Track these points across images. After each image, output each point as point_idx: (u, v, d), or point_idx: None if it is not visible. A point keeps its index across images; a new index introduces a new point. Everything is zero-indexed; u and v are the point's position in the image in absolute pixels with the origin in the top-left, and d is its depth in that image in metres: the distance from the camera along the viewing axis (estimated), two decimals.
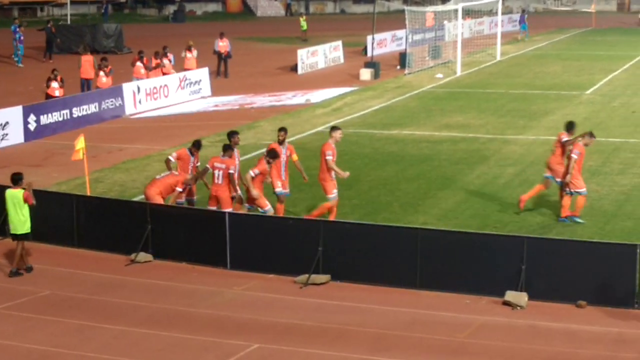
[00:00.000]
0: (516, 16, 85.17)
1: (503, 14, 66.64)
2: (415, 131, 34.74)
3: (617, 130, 34.25)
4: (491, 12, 70.50)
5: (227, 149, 21.99)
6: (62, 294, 18.78)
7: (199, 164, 22.81)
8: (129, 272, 20.14)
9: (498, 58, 59.14)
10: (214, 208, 21.67)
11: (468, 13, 64.89)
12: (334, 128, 22.81)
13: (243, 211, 21.67)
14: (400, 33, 62.30)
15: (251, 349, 15.96)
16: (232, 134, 22.59)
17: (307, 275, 19.17)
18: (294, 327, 17.05)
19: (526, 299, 17.87)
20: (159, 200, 21.74)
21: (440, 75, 50.86)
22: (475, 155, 30.22)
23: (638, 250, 17.67)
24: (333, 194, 22.10)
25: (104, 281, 19.62)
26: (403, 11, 56.70)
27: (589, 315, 17.50)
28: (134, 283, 19.47)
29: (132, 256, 20.67)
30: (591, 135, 22.78)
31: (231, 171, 21.51)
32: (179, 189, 21.93)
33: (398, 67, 54.40)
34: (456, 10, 55.38)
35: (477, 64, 56.60)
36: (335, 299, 18.42)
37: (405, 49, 55.18)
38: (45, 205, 21.33)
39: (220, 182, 21.60)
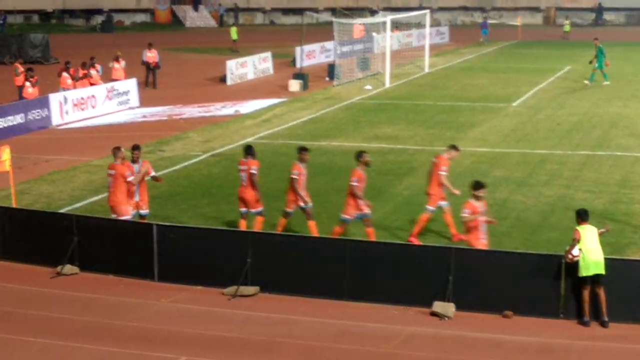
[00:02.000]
0: (444, 29, 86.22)
1: (431, 26, 67.12)
2: (344, 142, 34.84)
3: (542, 142, 34.66)
4: (419, 25, 70.97)
5: (248, 151, 22.19)
6: None
7: (153, 173, 22.55)
8: (54, 284, 19.90)
9: (426, 70, 59.60)
10: (243, 210, 22.11)
11: (396, 25, 65.44)
12: (453, 147, 23.15)
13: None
14: (329, 45, 62.47)
15: None
16: (301, 150, 22.53)
17: (235, 287, 19.11)
18: (222, 339, 16.97)
19: (453, 309, 18.00)
20: (124, 203, 21.63)
21: (369, 87, 51.11)
22: (404, 167, 30.39)
23: (563, 261, 17.91)
24: (433, 207, 22.54)
25: (29, 294, 19.38)
26: (331, 23, 56.88)
27: (515, 326, 17.66)
28: (59, 296, 19.24)
29: (58, 268, 20.43)
30: None
31: (252, 171, 21.81)
32: (130, 178, 21.66)
33: (327, 78, 54.59)
34: (385, 23, 55.68)
35: (406, 75, 56.97)
36: (264, 310, 18.38)
37: (334, 61, 55.35)
38: None
39: (245, 183, 22.03)
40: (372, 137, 35.95)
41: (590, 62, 52.74)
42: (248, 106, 44.04)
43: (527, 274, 18.15)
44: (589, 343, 16.94)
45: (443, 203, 22.57)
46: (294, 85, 50.54)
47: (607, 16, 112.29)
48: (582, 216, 18.03)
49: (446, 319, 17.86)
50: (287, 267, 19.38)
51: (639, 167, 30.34)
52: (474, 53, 72.92)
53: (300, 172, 22.05)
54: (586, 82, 51.77)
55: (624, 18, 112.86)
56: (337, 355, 16.27)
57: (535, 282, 18.07)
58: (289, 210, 22.23)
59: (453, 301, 18.11)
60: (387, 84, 52.18)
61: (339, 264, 18.99)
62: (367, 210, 21.57)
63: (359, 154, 21.83)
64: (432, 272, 18.49)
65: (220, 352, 16.36)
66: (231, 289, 19.13)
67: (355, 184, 21.42)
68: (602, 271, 17.53)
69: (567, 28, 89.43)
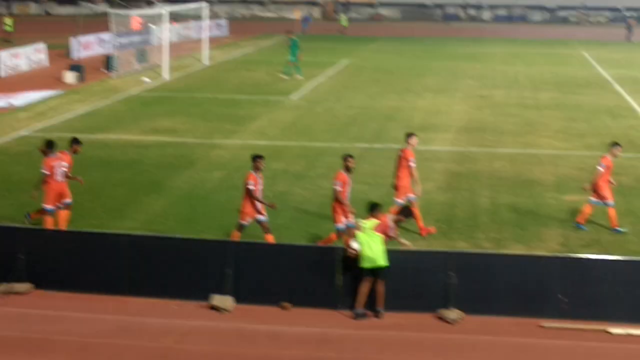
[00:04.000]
0: (222, 21, 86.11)
1: (209, 19, 66.99)
2: (121, 135, 34.33)
3: (321, 135, 35.13)
4: (198, 17, 70.74)
5: (53, 146, 21.70)
6: None
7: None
8: None
9: (206, 63, 59.45)
10: (51, 207, 21.48)
11: (175, 17, 64.87)
12: (411, 134, 22.94)
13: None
14: (106, 36, 61.43)
15: None
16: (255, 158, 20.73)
17: (6, 284, 18.52)
18: None
19: (232, 302, 18.01)
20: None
21: (147, 80, 50.55)
22: (183, 160, 30.20)
23: (341, 253, 18.17)
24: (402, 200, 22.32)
25: None
26: (108, 14, 55.89)
27: (293, 317, 17.82)
28: None
29: None
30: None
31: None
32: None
33: (104, 70, 53.60)
34: (162, 14, 55.15)
35: (185, 68, 56.68)
36: (38, 307, 17.91)
37: (111, 52, 54.43)
38: None
39: (60, 179, 21.58)
40: (151, 130, 35.59)
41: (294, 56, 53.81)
42: (21, 98, 42.73)
43: (303, 266, 18.35)
44: (365, 332, 17.24)
45: (411, 196, 22.59)
46: (70, 77, 49.42)
47: (384, 11, 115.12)
48: (370, 209, 18.30)
49: (225, 312, 17.85)
50: (64, 262, 18.93)
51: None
52: (253, 46, 73.27)
53: (255, 182, 20.55)
54: (283, 75, 52.81)
55: (400, 13, 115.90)
56: (114, 352, 15.98)
57: (314, 274, 18.28)
58: (243, 222, 20.72)
59: (232, 294, 18.12)
60: (166, 77, 51.74)
61: (117, 258, 18.69)
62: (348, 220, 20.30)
63: (344, 157, 21.00)
64: (211, 266, 18.44)
65: None
66: (2, 286, 18.53)
67: (338, 188, 20.55)
68: (382, 263, 17.84)
69: (344, 22, 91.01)
